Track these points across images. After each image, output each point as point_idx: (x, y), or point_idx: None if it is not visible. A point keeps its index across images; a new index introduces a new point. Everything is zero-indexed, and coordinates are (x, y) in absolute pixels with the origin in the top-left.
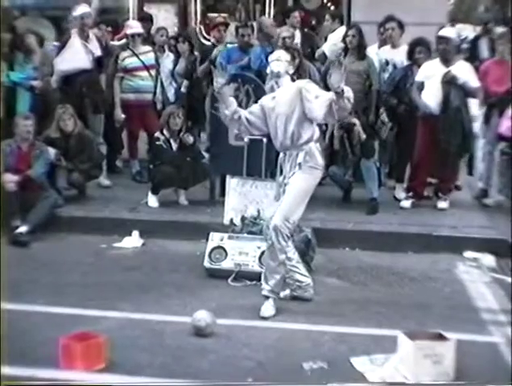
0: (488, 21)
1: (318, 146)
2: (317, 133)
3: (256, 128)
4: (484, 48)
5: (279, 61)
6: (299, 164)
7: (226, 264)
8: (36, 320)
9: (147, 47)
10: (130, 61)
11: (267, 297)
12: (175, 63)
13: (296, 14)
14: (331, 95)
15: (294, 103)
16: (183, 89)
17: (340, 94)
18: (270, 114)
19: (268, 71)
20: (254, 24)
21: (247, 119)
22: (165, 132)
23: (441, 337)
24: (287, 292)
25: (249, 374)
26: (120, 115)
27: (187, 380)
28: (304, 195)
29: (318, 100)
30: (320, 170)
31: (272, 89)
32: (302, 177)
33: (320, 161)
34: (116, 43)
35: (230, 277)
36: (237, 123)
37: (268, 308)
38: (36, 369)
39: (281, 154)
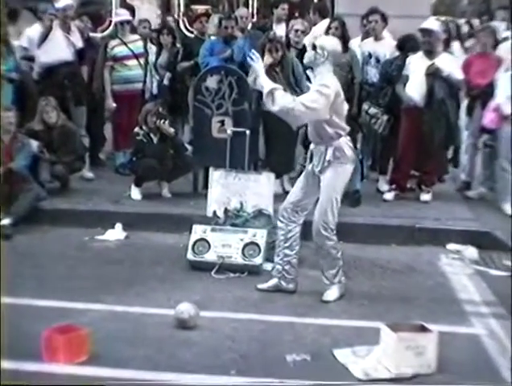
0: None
1: (348, 141)
2: (345, 129)
3: None
4: None
5: (311, 52)
6: (329, 161)
7: (209, 256)
8: (19, 313)
9: (136, 36)
10: (119, 50)
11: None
12: (158, 55)
13: (285, 6)
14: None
15: None
16: (165, 82)
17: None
18: None
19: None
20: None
21: None
22: (144, 127)
23: (423, 329)
24: (271, 283)
25: (232, 366)
26: (111, 104)
27: (171, 373)
28: (338, 194)
29: None
30: (351, 165)
31: (256, 82)
32: (333, 175)
33: (350, 155)
34: (98, 34)
35: (213, 269)
36: None
37: (331, 293)
38: (20, 362)
39: (312, 145)
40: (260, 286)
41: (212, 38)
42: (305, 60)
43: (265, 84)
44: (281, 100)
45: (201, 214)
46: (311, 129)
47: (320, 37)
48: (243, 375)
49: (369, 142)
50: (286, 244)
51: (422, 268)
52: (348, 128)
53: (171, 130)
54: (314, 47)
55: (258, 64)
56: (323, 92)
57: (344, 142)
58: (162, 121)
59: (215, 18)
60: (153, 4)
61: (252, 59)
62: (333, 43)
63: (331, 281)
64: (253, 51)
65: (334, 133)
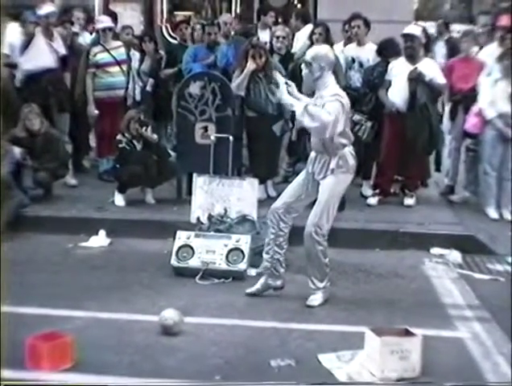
0: (443, 20)
1: (351, 150)
2: (351, 139)
3: None
4: (439, 51)
5: (306, 70)
6: (332, 170)
7: (193, 262)
8: (2, 320)
9: (118, 42)
10: (101, 56)
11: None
12: (141, 61)
13: (273, 13)
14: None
15: None
16: (148, 88)
17: None
18: None
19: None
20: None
21: None
22: (126, 134)
23: (408, 333)
24: (259, 286)
25: (216, 372)
26: (93, 111)
27: (155, 379)
28: (336, 200)
29: None
30: (351, 174)
31: (239, 88)
32: (334, 182)
33: (352, 164)
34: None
35: (197, 275)
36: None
37: (316, 298)
38: (2, 370)
39: (313, 153)
40: (248, 291)
41: (196, 44)
42: (305, 80)
43: (293, 102)
44: (320, 115)
45: (185, 220)
46: (315, 140)
47: (308, 49)
48: (228, 380)
49: (353, 147)
50: (276, 243)
51: (406, 273)
52: (352, 137)
53: (154, 137)
54: (307, 64)
55: (286, 85)
56: (341, 101)
57: (348, 152)
58: (144, 128)
59: (197, 26)
60: (136, 10)
61: (288, 84)
62: (323, 51)
63: (317, 285)
64: (287, 81)
65: (340, 144)
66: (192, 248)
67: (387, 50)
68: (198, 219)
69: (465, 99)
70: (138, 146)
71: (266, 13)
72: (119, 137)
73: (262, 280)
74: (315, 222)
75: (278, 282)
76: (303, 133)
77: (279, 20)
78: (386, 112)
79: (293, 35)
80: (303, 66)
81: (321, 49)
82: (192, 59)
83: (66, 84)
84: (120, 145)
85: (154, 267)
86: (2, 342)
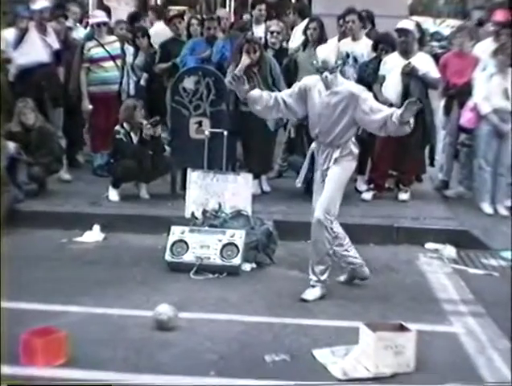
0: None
1: (353, 138)
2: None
3: (293, 112)
4: None
5: (327, 52)
6: (336, 159)
7: (188, 257)
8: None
9: (112, 37)
10: (95, 51)
11: (313, 286)
12: (135, 56)
13: (262, 7)
14: (387, 112)
15: (345, 107)
16: (142, 82)
17: (405, 124)
18: (314, 103)
19: (317, 60)
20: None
21: (284, 102)
22: (125, 125)
23: (402, 328)
24: (342, 278)
25: (211, 367)
26: (87, 106)
27: (150, 374)
28: (342, 186)
29: (373, 115)
30: (355, 161)
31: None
32: (339, 169)
33: (355, 151)
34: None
35: (192, 270)
36: (272, 110)
37: (312, 292)
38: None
39: (314, 144)
40: (338, 279)
41: (195, 38)
42: (328, 84)
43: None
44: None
45: (179, 215)
46: (329, 132)
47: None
48: (222, 375)
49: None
50: (336, 245)
51: (400, 268)
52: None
53: (158, 131)
54: (332, 70)
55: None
56: None
57: (351, 142)
58: (154, 129)
59: (193, 20)
60: (130, 5)
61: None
62: (327, 52)
63: (318, 277)
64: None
65: (350, 136)
66: (186, 243)
67: (383, 42)
68: (192, 214)
69: (460, 94)
70: (135, 139)
71: (255, 7)
72: (117, 128)
73: (346, 274)
74: (323, 208)
75: (364, 273)
76: (301, 128)
77: (273, 14)
78: None
79: (291, 30)
80: (326, 74)
81: (326, 50)
82: (190, 52)
83: (60, 78)
84: (117, 136)
85: (149, 262)
86: (2, 343)
